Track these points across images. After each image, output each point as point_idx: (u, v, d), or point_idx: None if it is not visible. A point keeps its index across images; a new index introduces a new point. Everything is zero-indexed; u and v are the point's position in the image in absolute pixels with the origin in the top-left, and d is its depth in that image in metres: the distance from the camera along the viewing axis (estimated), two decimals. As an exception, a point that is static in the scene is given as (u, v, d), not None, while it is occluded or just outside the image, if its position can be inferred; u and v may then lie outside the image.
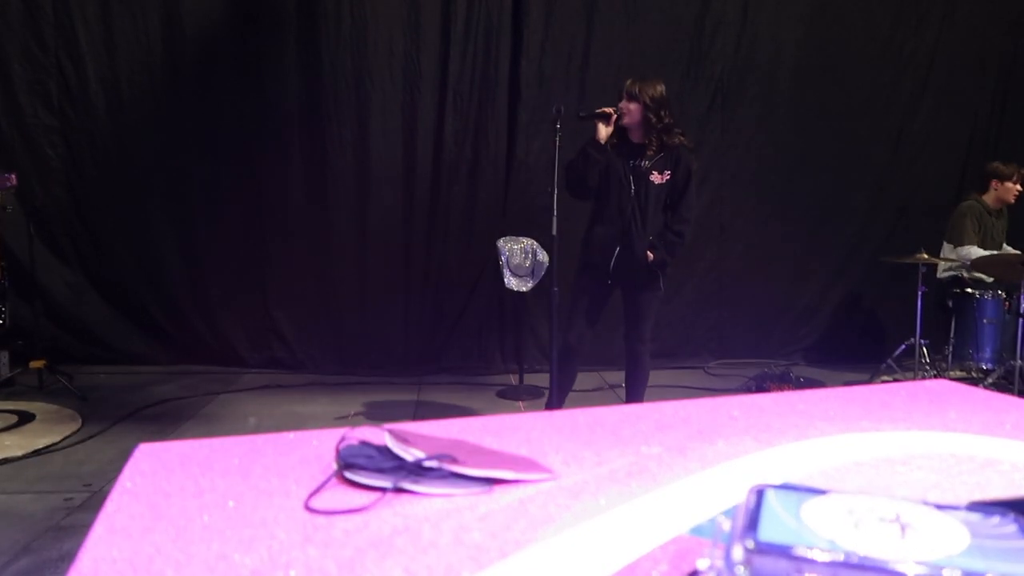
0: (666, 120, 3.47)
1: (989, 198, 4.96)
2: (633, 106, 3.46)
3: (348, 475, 1.06)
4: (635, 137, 3.53)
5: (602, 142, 3.48)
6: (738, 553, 0.68)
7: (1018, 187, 4.93)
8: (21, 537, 2.70)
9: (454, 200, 5.34)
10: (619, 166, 3.51)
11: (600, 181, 3.55)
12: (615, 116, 3.47)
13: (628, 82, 3.52)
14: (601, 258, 3.56)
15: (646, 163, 3.48)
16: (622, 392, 5.01)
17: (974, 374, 4.78)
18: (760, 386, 4.94)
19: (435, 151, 5.30)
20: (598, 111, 3.49)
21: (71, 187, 5.15)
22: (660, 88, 3.46)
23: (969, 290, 4.80)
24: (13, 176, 4.43)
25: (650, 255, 3.47)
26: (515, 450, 1.23)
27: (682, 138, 3.52)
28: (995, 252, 4.82)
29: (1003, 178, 4.95)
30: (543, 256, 4.87)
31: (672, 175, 3.48)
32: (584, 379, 5.17)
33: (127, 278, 5.26)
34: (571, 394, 3.97)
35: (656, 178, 3.47)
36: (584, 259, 3.67)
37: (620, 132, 3.54)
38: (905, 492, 1.07)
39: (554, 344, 3.45)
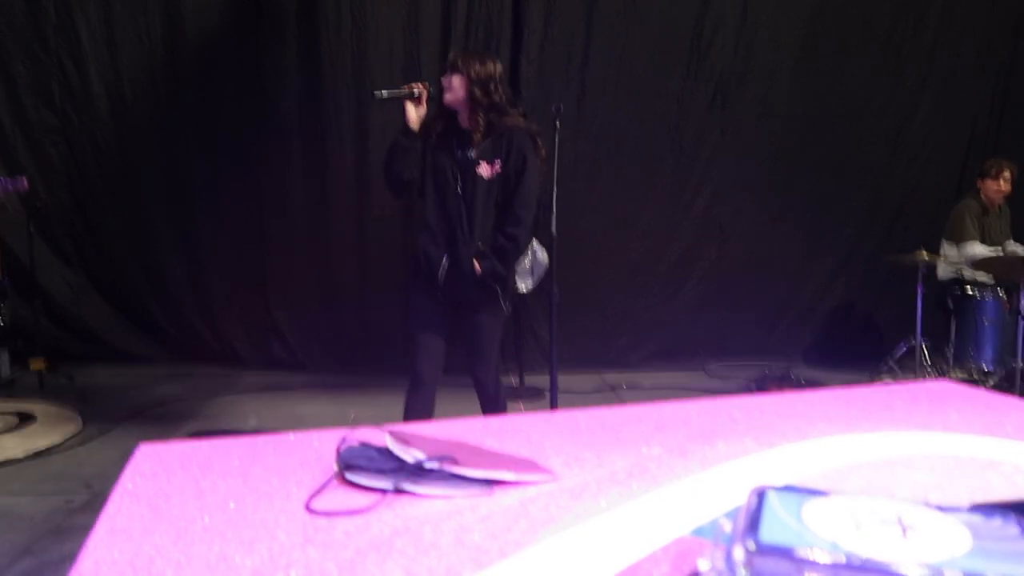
0: (496, 98, 2.81)
1: (982, 197, 4.96)
2: (456, 80, 2.79)
3: (349, 476, 1.06)
4: (463, 122, 2.86)
5: (413, 127, 2.85)
6: (739, 554, 0.68)
7: (1000, 184, 4.87)
8: (22, 539, 2.70)
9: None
10: (444, 158, 2.86)
11: (423, 177, 2.91)
12: (425, 93, 2.84)
13: (451, 54, 2.93)
14: (428, 271, 2.88)
15: (473, 152, 2.82)
16: (622, 393, 5.02)
17: (975, 376, 4.76)
18: (760, 387, 4.95)
19: (435, 151, 5.30)
20: (403, 88, 2.86)
21: (72, 187, 5.15)
22: (492, 65, 2.83)
23: (969, 291, 4.79)
24: (24, 179, 4.37)
25: (477, 266, 2.81)
26: (515, 451, 1.23)
27: (522, 120, 2.89)
28: (999, 250, 4.82)
29: (983, 175, 4.94)
30: (543, 255, 4.84)
31: (504, 165, 2.81)
32: (584, 380, 5.18)
33: (127, 278, 5.26)
34: (571, 395, 3.88)
35: (484, 170, 2.80)
36: (412, 272, 3.01)
37: (448, 117, 2.89)
38: (906, 493, 1.07)
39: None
